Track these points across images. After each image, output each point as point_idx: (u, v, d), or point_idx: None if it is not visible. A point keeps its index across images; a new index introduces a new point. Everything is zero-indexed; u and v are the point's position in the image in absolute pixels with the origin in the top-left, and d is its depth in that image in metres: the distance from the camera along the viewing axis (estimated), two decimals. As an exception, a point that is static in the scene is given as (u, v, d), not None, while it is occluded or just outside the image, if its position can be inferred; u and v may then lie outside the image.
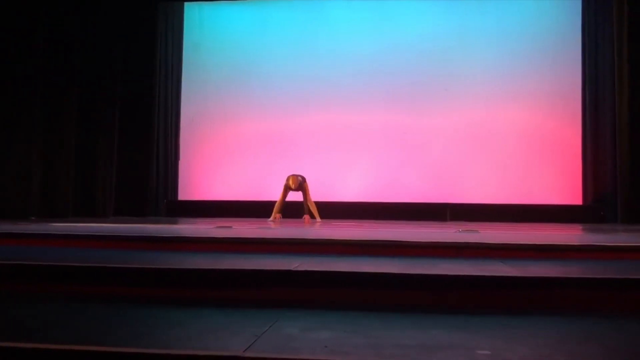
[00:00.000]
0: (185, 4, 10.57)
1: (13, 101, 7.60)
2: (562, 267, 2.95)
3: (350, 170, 9.86)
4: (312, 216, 8.05)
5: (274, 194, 8.36)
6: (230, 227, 5.40)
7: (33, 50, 7.71)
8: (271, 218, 8.03)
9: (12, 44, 7.58)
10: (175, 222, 7.15)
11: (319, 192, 9.28)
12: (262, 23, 10.39)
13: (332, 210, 9.12)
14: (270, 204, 8.22)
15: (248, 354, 1.69)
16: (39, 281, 2.74)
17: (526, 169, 9.48)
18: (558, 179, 9.48)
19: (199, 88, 10.45)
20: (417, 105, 9.83)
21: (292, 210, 8.28)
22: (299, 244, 3.66)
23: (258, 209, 8.86)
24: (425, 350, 1.79)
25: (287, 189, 8.01)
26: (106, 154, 8.96)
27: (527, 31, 9.66)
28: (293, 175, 8.04)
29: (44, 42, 7.89)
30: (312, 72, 10.07)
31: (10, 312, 2.35)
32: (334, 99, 9.95)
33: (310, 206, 8.06)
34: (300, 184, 7.98)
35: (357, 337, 1.91)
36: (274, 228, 5.68)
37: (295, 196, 8.17)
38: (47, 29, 7.96)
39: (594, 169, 9.15)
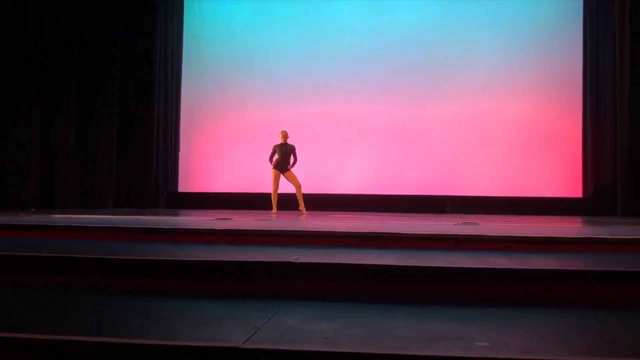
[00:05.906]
0: (185, -5, 10.54)
1: (11, 91, 7.58)
2: (561, 259, 2.96)
3: (350, 162, 9.85)
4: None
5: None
6: (230, 219, 5.41)
7: (30, 43, 7.67)
8: (273, 210, 8.02)
9: (9, 29, 7.53)
10: (175, 214, 7.16)
11: (318, 184, 9.29)
12: (262, 14, 10.33)
13: (332, 202, 9.13)
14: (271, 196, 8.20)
15: (248, 345, 1.70)
16: (39, 272, 2.74)
17: (526, 162, 9.46)
18: (558, 172, 9.47)
19: (199, 80, 10.42)
20: (417, 97, 9.80)
21: (291, 203, 8.26)
22: (298, 236, 3.67)
23: (258, 201, 8.85)
24: (423, 341, 1.80)
25: (275, 151, 8.07)
26: (106, 145, 8.96)
27: (528, 23, 9.62)
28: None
29: (42, 34, 7.85)
30: (312, 64, 10.03)
31: (7, 302, 2.35)
32: (333, 91, 9.92)
33: (298, 195, 8.09)
34: (289, 151, 8.04)
35: (356, 329, 1.92)
36: (273, 220, 5.68)
37: (291, 188, 8.15)
38: (47, 21, 7.91)
39: (594, 162, 9.14)
